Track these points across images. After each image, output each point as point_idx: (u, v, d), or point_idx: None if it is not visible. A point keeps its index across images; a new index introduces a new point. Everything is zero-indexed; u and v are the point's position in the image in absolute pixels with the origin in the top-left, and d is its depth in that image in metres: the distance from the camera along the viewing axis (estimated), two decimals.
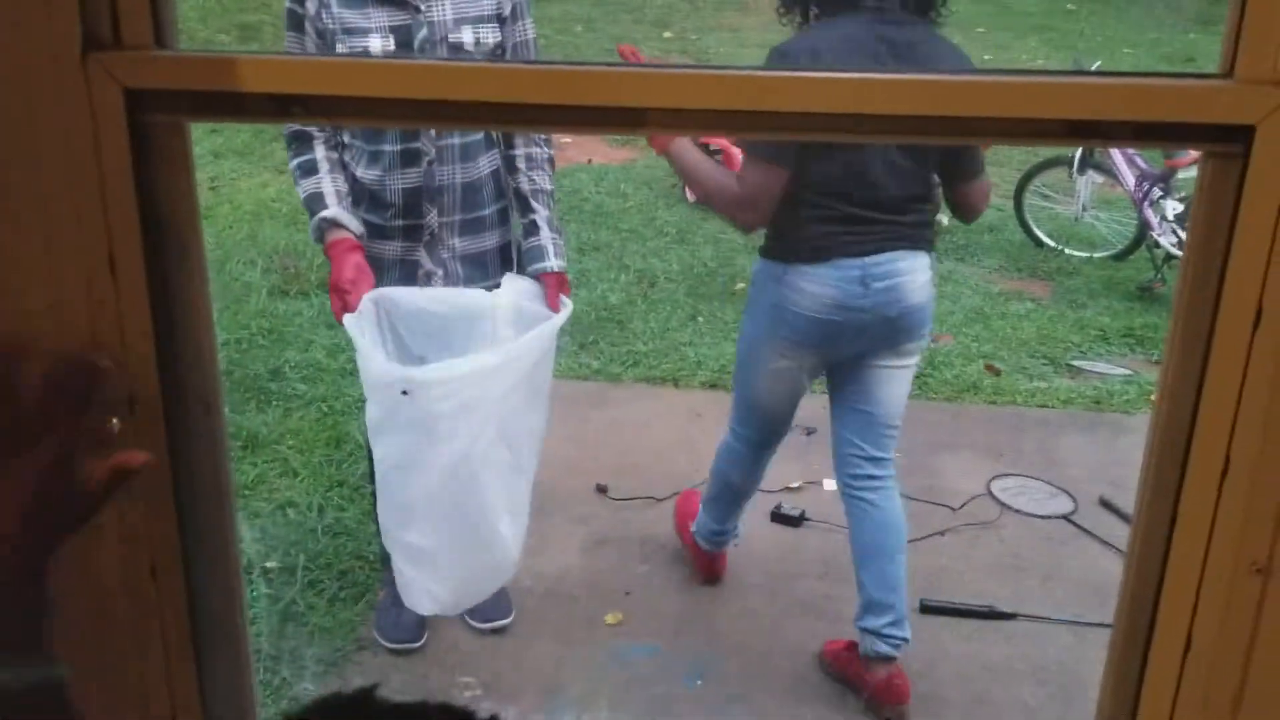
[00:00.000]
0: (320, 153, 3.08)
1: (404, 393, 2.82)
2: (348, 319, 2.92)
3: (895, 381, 3.35)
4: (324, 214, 3.06)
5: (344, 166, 3.16)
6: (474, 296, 3.14)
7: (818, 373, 3.40)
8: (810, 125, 0.93)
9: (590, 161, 8.21)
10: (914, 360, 3.37)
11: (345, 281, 3.00)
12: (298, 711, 0.83)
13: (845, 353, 3.29)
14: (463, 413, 2.84)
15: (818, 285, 3.13)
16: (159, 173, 0.92)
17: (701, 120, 0.93)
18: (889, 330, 3.21)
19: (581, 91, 0.90)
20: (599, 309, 5.89)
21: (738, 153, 3.64)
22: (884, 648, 3.31)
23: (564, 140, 7.69)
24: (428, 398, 2.82)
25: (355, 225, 3.08)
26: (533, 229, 3.21)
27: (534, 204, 3.21)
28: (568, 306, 3.13)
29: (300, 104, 0.91)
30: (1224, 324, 0.88)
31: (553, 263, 3.18)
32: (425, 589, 3.05)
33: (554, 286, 3.17)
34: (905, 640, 3.33)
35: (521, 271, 3.21)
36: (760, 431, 3.53)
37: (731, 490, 3.70)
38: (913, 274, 3.17)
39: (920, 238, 3.20)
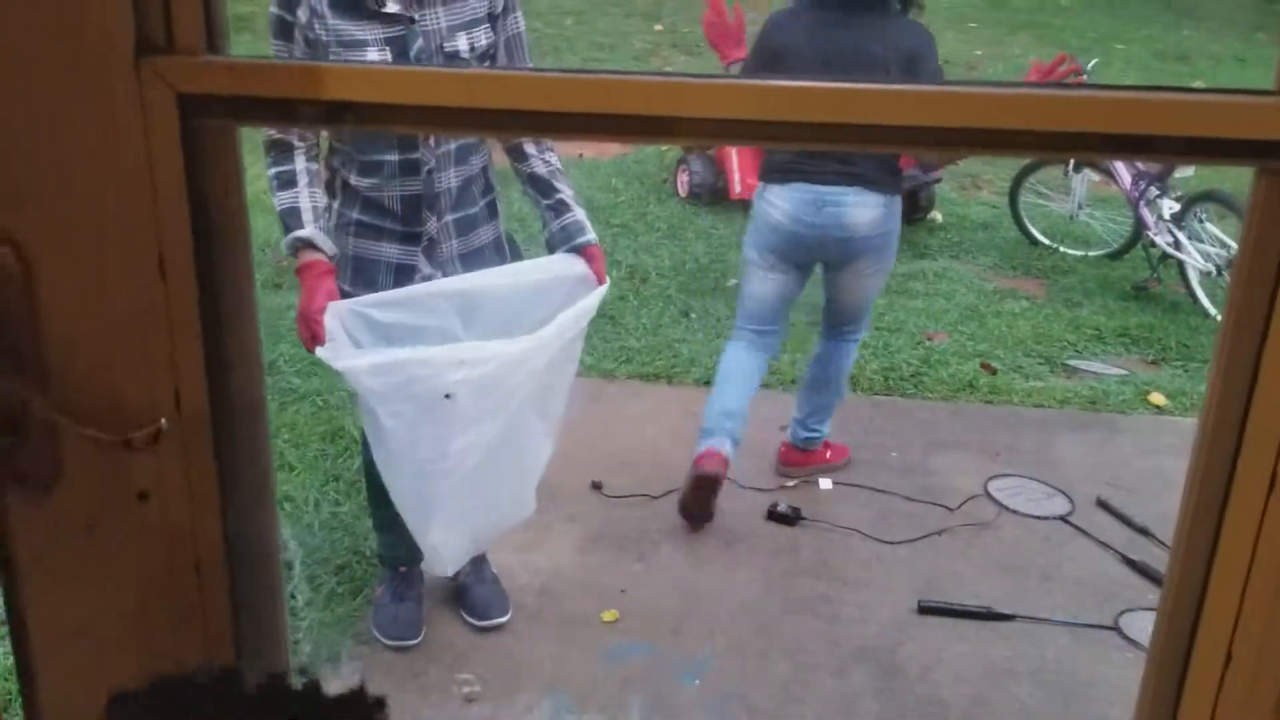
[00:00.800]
0: (300, 164, 2.98)
1: (447, 396, 2.80)
2: (321, 351, 2.81)
3: (855, 291, 4.21)
4: (299, 234, 2.96)
5: (334, 172, 3.13)
6: (424, 294, 3.04)
7: (798, 278, 4.21)
8: (857, 136, 0.93)
9: (581, 156, 8.17)
10: (871, 276, 4.15)
11: (316, 311, 2.88)
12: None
13: (807, 260, 4.15)
14: (504, 389, 2.85)
15: (783, 201, 4.01)
16: (209, 177, 0.92)
17: (735, 130, 0.92)
18: (839, 249, 4.05)
19: (615, 100, 0.90)
20: None
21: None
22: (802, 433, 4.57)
23: None
24: (472, 375, 2.80)
25: (329, 247, 2.99)
26: (563, 207, 3.17)
27: (557, 184, 3.18)
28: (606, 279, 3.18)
29: (352, 110, 0.91)
30: (1273, 344, 0.87)
31: (593, 235, 3.19)
32: (453, 553, 3.09)
33: (599, 259, 3.17)
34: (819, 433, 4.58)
35: (553, 252, 3.19)
36: (752, 321, 4.27)
37: (728, 377, 4.25)
38: (858, 207, 3.94)
39: (872, 179, 3.93)
